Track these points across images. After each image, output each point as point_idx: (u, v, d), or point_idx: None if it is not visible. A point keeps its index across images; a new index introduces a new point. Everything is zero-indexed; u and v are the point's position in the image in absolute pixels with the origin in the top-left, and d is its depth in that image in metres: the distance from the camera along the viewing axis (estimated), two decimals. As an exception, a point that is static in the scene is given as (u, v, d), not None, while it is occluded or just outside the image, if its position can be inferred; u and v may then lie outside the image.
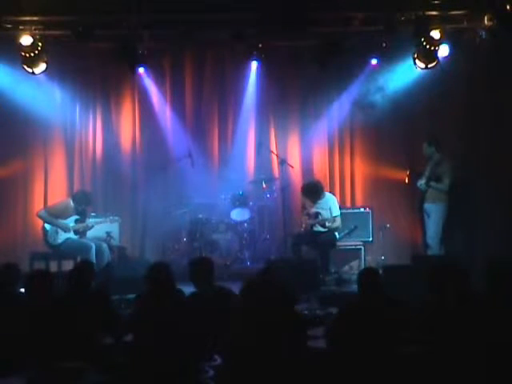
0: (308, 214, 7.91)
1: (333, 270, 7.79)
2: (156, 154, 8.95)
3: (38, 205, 8.69)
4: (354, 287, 5.32)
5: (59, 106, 8.96)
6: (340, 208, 7.93)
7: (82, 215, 7.72)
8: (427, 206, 7.70)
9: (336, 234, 7.82)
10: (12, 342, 4.08)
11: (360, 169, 9.12)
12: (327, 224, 7.68)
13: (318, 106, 9.10)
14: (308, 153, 9.14)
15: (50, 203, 8.49)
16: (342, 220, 7.84)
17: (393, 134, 8.89)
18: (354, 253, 8.33)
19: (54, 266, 7.53)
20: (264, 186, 8.72)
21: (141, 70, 8.59)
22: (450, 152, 7.97)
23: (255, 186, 8.92)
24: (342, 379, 3.62)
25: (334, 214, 7.72)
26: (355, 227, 8.02)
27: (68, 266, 7.26)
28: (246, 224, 8.55)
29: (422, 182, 7.69)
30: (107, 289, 5.99)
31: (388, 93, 8.55)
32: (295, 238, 7.93)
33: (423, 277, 4.17)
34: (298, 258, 7.68)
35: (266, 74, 8.89)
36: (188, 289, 4.94)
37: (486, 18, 7.62)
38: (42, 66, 7.67)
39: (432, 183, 7.57)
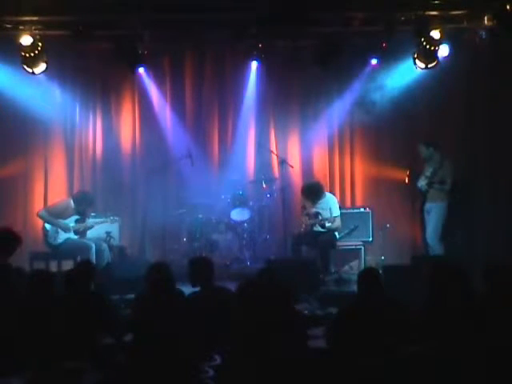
0: (308, 214, 7.91)
1: (333, 270, 7.79)
2: (156, 153, 8.94)
3: (38, 205, 8.69)
4: (354, 287, 5.32)
5: (59, 106, 8.95)
6: (340, 208, 7.93)
7: (82, 215, 7.72)
8: (428, 205, 7.70)
9: (336, 234, 7.82)
10: (12, 342, 4.08)
11: (360, 169, 9.12)
12: (327, 224, 7.67)
13: (318, 106, 9.09)
14: (308, 153, 9.13)
15: (50, 203, 8.48)
16: (342, 220, 7.83)
17: (393, 134, 8.89)
18: (354, 253, 8.33)
19: (54, 266, 7.52)
20: (264, 186, 8.72)
21: (141, 70, 8.59)
22: (450, 152, 7.97)
23: (255, 185, 8.92)
24: (341, 379, 3.62)
25: (334, 214, 7.71)
26: (355, 227, 8.02)
27: (68, 266, 7.25)
28: (245, 224, 8.54)
29: (422, 183, 7.69)
30: (107, 289, 6.00)
31: (388, 93, 8.55)
32: (295, 238, 7.93)
33: (423, 277, 4.17)
34: (297, 258, 7.68)
35: (266, 74, 8.89)
36: (188, 289, 4.94)
37: (485, 17, 7.62)
38: (42, 66, 7.67)
39: (435, 185, 7.56)
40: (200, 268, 4.94)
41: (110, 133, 9.12)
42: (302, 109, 9.13)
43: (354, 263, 8.30)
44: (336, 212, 7.76)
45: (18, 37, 7.42)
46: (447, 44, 7.70)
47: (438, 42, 7.48)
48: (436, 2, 7.36)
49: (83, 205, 7.67)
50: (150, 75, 8.89)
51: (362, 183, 9.14)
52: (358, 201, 9.04)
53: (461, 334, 3.65)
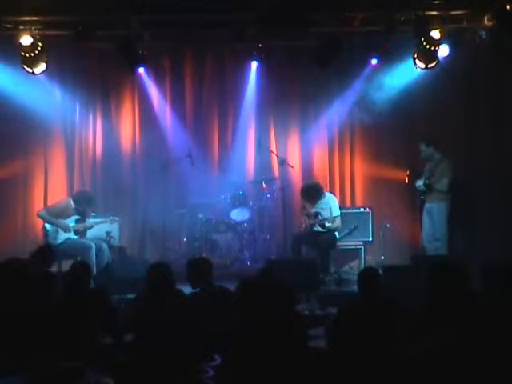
0: (308, 214, 7.91)
1: (333, 270, 7.79)
2: (156, 153, 8.94)
3: (38, 205, 8.69)
4: (354, 287, 5.33)
5: (59, 106, 8.96)
6: (340, 208, 7.93)
7: (82, 215, 7.71)
8: (428, 205, 7.70)
9: (336, 234, 7.82)
10: (12, 342, 4.08)
11: (360, 169, 9.13)
12: (327, 224, 7.67)
13: (318, 106, 9.10)
14: (308, 153, 9.14)
15: (50, 203, 8.48)
16: (342, 220, 7.83)
17: (393, 133, 8.89)
18: (354, 253, 8.33)
19: (54, 266, 7.51)
20: (264, 186, 8.72)
21: (141, 70, 8.60)
22: (450, 152, 7.97)
23: (255, 185, 8.92)
24: (342, 379, 3.62)
25: (334, 214, 7.71)
26: (355, 227, 8.02)
27: (68, 266, 7.23)
28: (245, 224, 8.54)
29: (420, 184, 7.69)
30: (107, 289, 6.00)
31: (388, 93, 8.55)
32: (295, 238, 7.93)
33: (423, 277, 4.17)
34: (297, 258, 7.67)
35: (266, 74, 8.90)
36: (188, 289, 4.94)
37: (486, 17, 7.63)
38: (42, 66, 7.67)
39: (433, 185, 7.56)
40: (199, 268, 4.95)
41: (110, 133, 9.12)
42: (301, 109, 9.14)
43: (354, 263, 8.31)
44: (336, 212, 7.76)
45: (17, 37, 7.42)
46: (447, 44, 7.71)
47: (438, 42, 7.48)
48: (436, 1, 7.36)
49: (83, 205, 7.66)
50: (150, 75, 8.90)
51: (361, 183, 9.14)
52: (358, 201, 9.04)
53: (460, 333, 3.65)
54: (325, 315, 5.72)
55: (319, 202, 7.82)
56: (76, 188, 8.78)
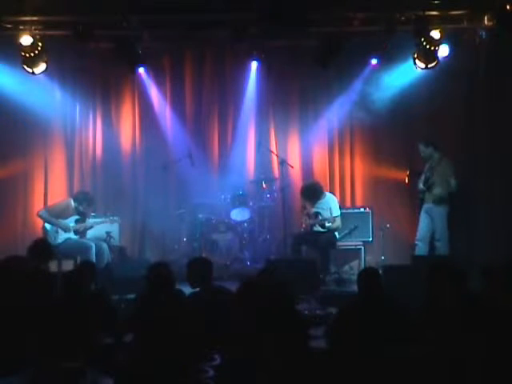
0: (308, 214, 7.91)
1: (333, 270, 7.80)
2: (156, 153, 8.94)
3: (37, 205, 8.69)
4: (354, 287, 5.32)
5: (59, 106, 8.96)
6: (340, 208, 7.93)
7: (82, 215, 7.72)
8: (428, 205, 7.70)
9: (336, 234, 7.82)
10: (12, 342, 4.08)
11: (360, 169, 9.13)
12: (327, 224, 7.68)
13: (318, 106, 9.10)
14: (308, 153, 9.14)
15: (50, 203, 8.49)
16: (342, 220, 7.84)
17: (393, 134, 8.89)
18: (354, 253, 8.34)
19: (54, 266, 7.51)
20: (264, 186, 8.72)
21: (141, 70, 8.61)
22: (450, 152, 7.97)
23: (255, 185, 8.92)
24: (342, 379, 3.61)
25: (334, 214, 7.71)
26: (355, 227, 8.02)
27: (68, 265, 7.25)
28: (245, 224, 8.55)
29: (421, 185, 7.71)
30: (107, 289, 6.00)
31: (388, 93, 8.55)
32: (295, 238, 7.93)
33: (423, 277, 4.17)
34: (297, 258, 7.68)
35: (266, 73, 8.91)
36: (188, 289, 4.94)
37: (486, 18, 7.64)
38: (42, 66, 7.68)
39: (433, 187, 7.56)
40: (199, 268, 4.94)
41: (110, 133, 9.13)
42: (301, 109, 9.14)
43: (354, 263, 8.31)
44: (336, 212, 7.76)
45: (17, 37, 7.43)
46: (447, 44, 7.71)
47: (438, 42, 7.48)
48: (436, 1, 7.36)
49: (83, 204, 7.67)
50: (150, 75, 8.90)
51: (361, 183, 9.14)
52: (358, 201, 9.04)
53: (460, 333, 3.65)
54: (325, 315, 5.73)
55: (319, 201, 7.83)
56: (76, 188, 8.79)
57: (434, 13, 7.46)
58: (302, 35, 8.09)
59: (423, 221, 7.74)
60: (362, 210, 8.53)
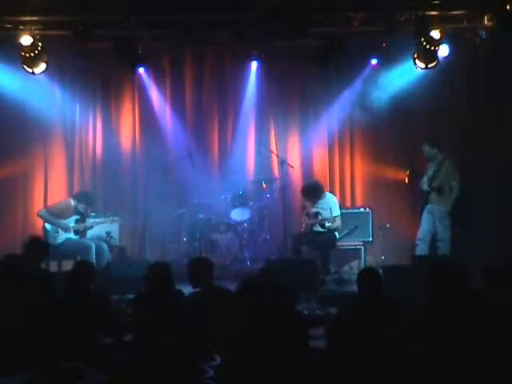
0: (308, 214, 7.91)
1: (333, 270, 7.80)
2: (156, 153, 8.93)
3: (37, 205, 8.69)
4: (354, 287, 5.32)
5: (59, 106, 8.96)
6: (340, 208, 7.93)
7: (82, 215, 7.72)
8: (431, 206, 7.71)
9: (336, 233, 7.82)
10: (12, 342, 4.08)
11: (360, 169, 9.12)
12: (327, 224, 7.67)
13: (318, 106, 9.09)
14: (308, 153, 9.13)
15: (50, 203, 8.49)
16: (342, 220, 7.83)
17: (393, 134, 8.89)
18: (354, 253, 8.33)
19: (54, 266, 7.52)
20: (264, 186, 8.72)
21: (141, 70, 8.61)
22: (451, 152, 7.97)
23: (255, 185, 8.92)
24: (342, 379, 3.62)
25: (334, 214, 7.71)
26: (355, 227, 8.02)
27: (68, 266, 7.24)
28: (245, 224, 8.55)
29: (424, 185, 7.71)
30: (107, 289, 6.00)
31: (388, 93, 8.55)
32: (295, 238, 7.93)
33: (423, 277, 4.17)
34: (297, 257, 7.67)
35: (266, 73, 8.90)
36: (188, 289, 4.94)
37: (486, 18, 7.63)
38: (42, 66, 7.67)
39: (438, 187, 7.57)
40: (200, 268, 4.95)
41: (109, 133, 9.12)
42: (301, 109, 9.13)
43: (354, 263, 8.31)
44: (336, 212, 7.76)
45: (17, 37, 7.42)
46: (447, 44, 7.70)
47: (438, 42, 7.48)
48: (436, 1, 7.36)
49: (83, 204, 7.67)
50: (150, 75, 8.90)
51: (361, 183, 9.14)
52: (358, 201, 9.04)
53: (460, 333, 3.65)
54: (325, 315, 5.72)
55: (319, 201, 7.82)
56: (76, 188, 8.79)
57: (434, 13, 7.45)
58: (302, 35, 8.07)
59: (425, 221, 7.74)
60: (361, 209, 8.53)
